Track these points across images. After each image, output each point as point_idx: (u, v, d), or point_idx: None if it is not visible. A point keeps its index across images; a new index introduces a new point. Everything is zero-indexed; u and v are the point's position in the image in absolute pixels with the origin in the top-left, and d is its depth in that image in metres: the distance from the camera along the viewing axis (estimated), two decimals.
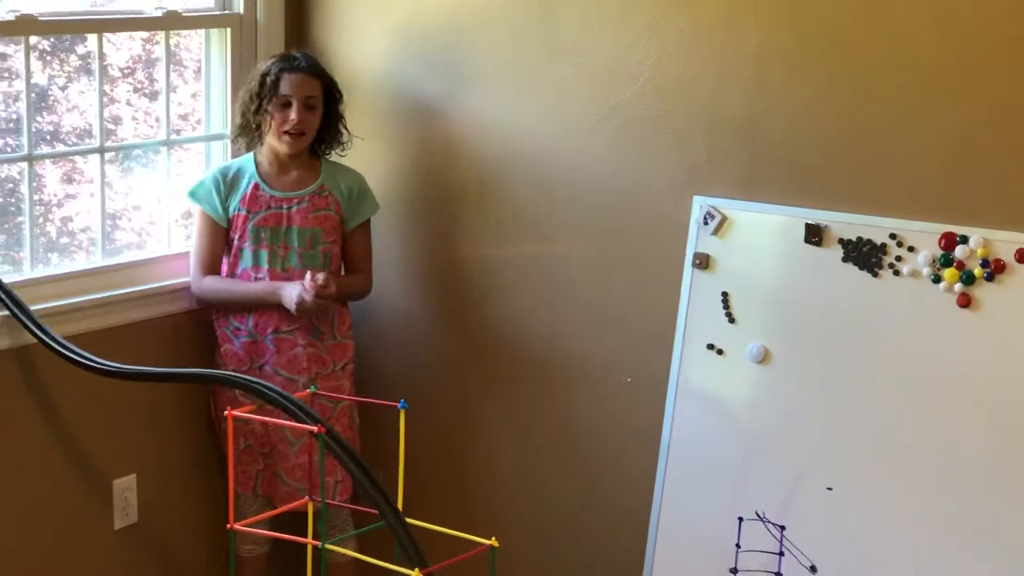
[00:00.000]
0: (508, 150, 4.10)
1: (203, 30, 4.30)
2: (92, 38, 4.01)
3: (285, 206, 4.10)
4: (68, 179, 4.12)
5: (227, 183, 4.10)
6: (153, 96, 4.28)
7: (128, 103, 4.24)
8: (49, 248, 4.09)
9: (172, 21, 4.16)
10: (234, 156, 4.25)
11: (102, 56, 4.02)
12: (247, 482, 4.18)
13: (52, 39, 4.00)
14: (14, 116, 3.90)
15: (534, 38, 4.02)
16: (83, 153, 4.07)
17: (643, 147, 3.86)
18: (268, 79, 4.01)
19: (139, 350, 4.00)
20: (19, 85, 3.86)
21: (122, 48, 4.21)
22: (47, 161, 4.05)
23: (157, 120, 4.29)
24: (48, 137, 4.05)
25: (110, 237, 4.20)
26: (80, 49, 4.09)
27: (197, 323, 4.24)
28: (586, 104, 3.94)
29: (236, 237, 4.10)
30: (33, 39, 3.88)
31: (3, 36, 3.79)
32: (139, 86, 4.26)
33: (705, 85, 3.74)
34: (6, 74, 3.89)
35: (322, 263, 4.11)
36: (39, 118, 4.01)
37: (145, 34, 4.21)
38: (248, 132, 4.10)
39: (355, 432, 4.26)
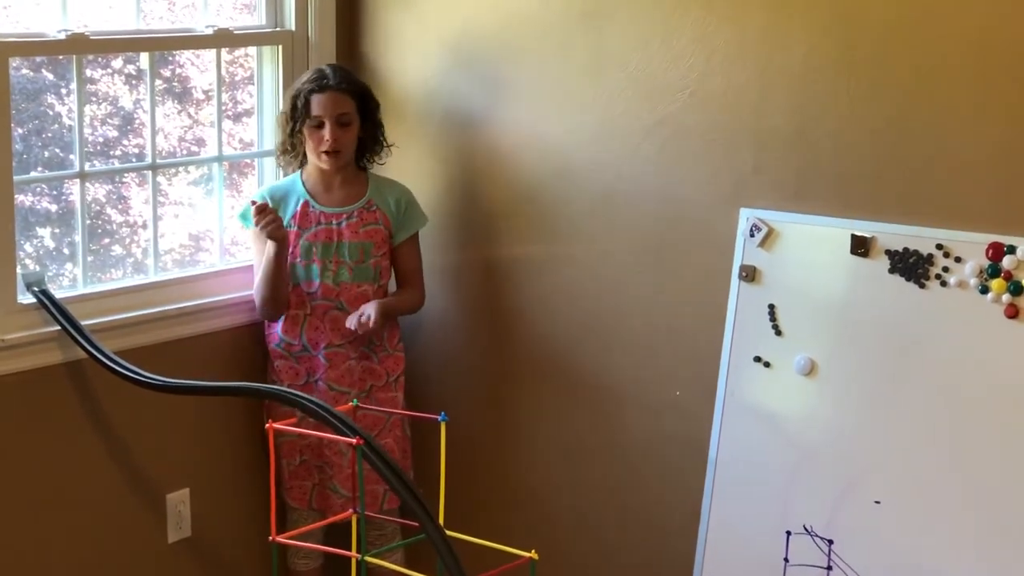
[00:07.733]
0: (556, 163, 4.10)
1: (255, 48, 4.34)
2: (160, 58, 4.08)
3: (335, 221, 4.12)
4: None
5: (275, 203, 4.12)
6: (236, 118, 4.34)
7: (212, 124, 4.28)
8: (137, 269, 4.17)
9: (223, 39, 4.20)
10: (284, 174, 4.28)
11: (153, 74, 4.07)
12: (302, 497, 4.21)
13: (137, 64, 4.06)
14: (99, 139, 4.00)
15: (582, 52, 4.02)
16: (135, 170, 4.12)
17: (690, 159, 3.85)
18: (299, 102, 4.05)
19: (193, 365, 4.04)
20: (105, 108, 3.98)
21: (207, 70, 4.26)
22: (133, 184, 4.13)
23: (241, 142, 4.35)
24: (134, 160, 4.11)
25: (193, 258, 4.30)
26: (165, 72, 4.16)
27: (252, 338, 4.27)
28: (633, 117, 3.93)
29: (288, 254, 4.13)
30: (118, 63, 3.98)
31: (55, 55, 3.85)
32: (224, 108, 4.30)
33: (751, 96, 3.72)
34: (93, 98, 4.01)
35: (373, 276, 4.14)
36: (125, 141, 4.09)
37: (228, 56, 4.27)
38: (288, 153, 4.14)
39: (407, 443, 4.28)
